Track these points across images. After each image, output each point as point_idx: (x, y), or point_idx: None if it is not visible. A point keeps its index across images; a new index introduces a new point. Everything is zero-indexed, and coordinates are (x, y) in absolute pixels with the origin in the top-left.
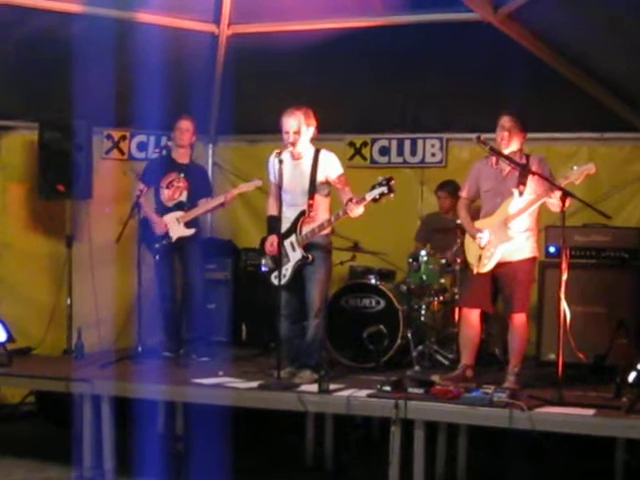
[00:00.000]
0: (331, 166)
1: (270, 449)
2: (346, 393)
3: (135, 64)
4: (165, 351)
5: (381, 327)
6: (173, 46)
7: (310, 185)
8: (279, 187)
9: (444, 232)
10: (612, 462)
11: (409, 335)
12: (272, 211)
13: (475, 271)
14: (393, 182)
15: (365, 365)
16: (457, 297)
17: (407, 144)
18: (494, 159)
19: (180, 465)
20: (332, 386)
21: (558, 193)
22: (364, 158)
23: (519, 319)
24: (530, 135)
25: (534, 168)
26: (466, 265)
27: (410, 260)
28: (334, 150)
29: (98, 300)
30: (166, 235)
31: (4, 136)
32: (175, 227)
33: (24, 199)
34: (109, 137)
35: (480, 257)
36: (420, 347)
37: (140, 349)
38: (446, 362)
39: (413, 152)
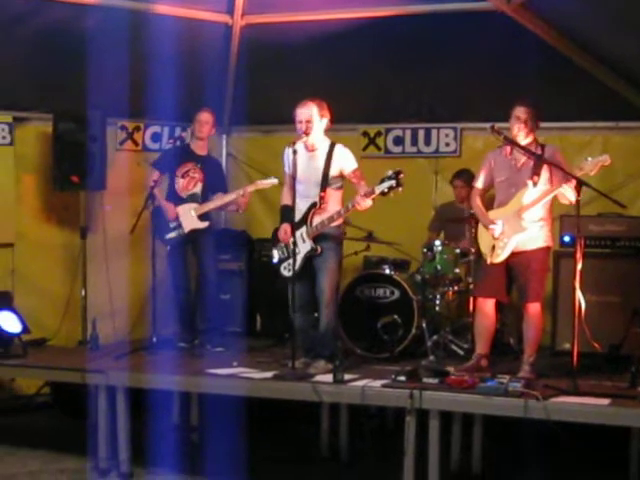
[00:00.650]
0: (346, 161)
1: (285, 439)
2: (361, 383)
3: (149, 55)
4: (180, 342)
5: (395, 317)
6: (187, 37)
7: (323, 178)
8: (293, 178)
9: (458, 222)
10: (627, 452)
11: (424, 325)
12: (286, 201)
13: (489, 261)
14: (402, 176)
15: (380, 355)
16: (472, 287)
17: (421, 134)
18: (508, 149)
19: (195, 455)
20: (347, 376)
21: (572, 183)
22: (378, 148)
23: (534, 309)
24: (544, 124)
25: (549, 158)
26: (480, 255)
27: (424, 250)
28: (348, 140)
29: (113, 291)
30: (179, 226)
31: (19, 127)
32: (189, 219)
33: (38, 190)
34: (123, 128)
35: (494, 247)
36: (435, 337)
37: (155, 340)
38: (461, 352)
39: (427, 142)
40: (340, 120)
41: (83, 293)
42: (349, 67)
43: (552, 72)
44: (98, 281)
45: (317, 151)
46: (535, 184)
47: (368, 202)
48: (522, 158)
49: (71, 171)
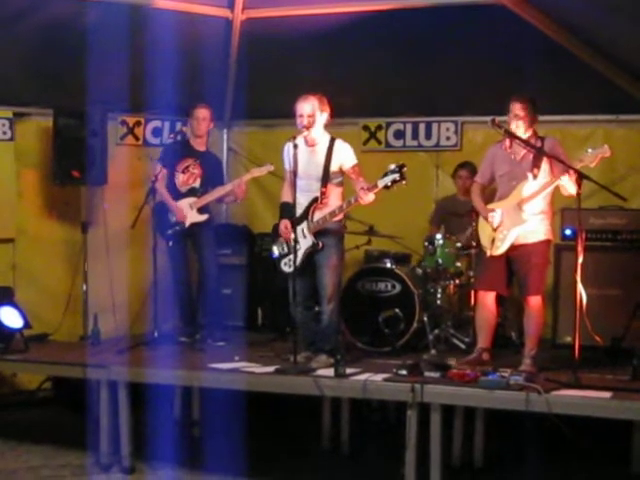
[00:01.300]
0: (345, 156)
1: (286, 433)
2: (362, 377)
3: (149, 49)
4: (181, 336)
5: (397, 311)
6: (187, 31)
7: (324, 173)
8: (294, 173)
9: (459, 215)
10: (629, 445)
11: (425, 319)
12: (286, 198)
13: (488, 254)
14: (405, 169)
15: (381, 349)
16: (473, 280)
17: (422, 127)
18: (508, 142)
19: (196, 450)
20: (348, 370)
21: (571, 175)
22: (379, 142)
23: (534, 302)
24: (545, 118)
25: (548, 151)
26: (481, 248)
27: (426, 244)
28: (348, 134)
29: (114, 286)
30: (179, 221)
31: (19, 123)
32: (188, 213)
33: (39, 185)
34: (124, 123)
35: (493, 240)
36: (436, 331)
37: (156, 334)
38: (462, 345)
39: (428, 135)
40: (341, 114)
41: (84, 288)
42: (350, 61)
43: (553, 65)
44: (99, 276)
45: (317, 146)
46: (535, 177)
47: (371, 196)
48: (522, 151)
49: (72, 166)
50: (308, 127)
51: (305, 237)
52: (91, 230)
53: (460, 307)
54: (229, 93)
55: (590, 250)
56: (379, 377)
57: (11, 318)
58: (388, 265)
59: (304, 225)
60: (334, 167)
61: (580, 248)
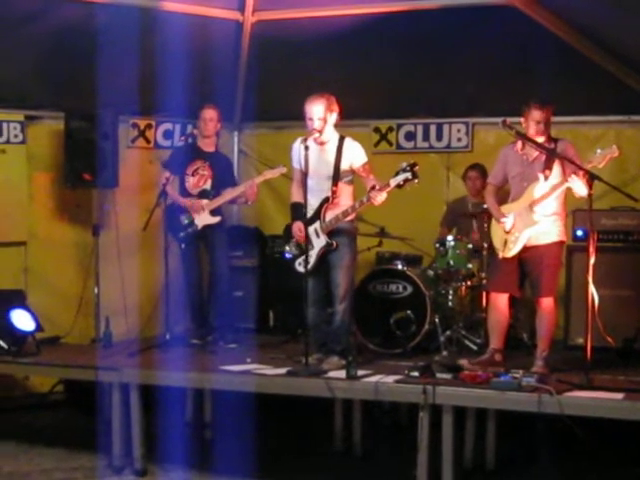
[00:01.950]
0: (355, 154)
1: (298, 435)
2: (374, 379)
3: (160, 52)
4: (193, 338)
5: (408, 312)
6: (198, 34)
7: (334, 172)
8: (304, 173)
9: (470, 217)
10: None
11: (436, 320)
12: (296, 198)
13: (501, 256)
14: (417, 168)
15: (393, 351)
16: (484, 282)
17: (433, 129)
18: (520, 144)
19: (208, 452)
20: (360, 372)
21: (580, 176)
22: (390, 144)
23: (547, 303)
24: (556, 119)
25: (561, 152)
26: (493, 250)
27: (437, 245)
28: (360, 136)
29: (125, 289)
30: (192, 223)
31: (31, 126)
32: (201, 215)
33: (51, 188)
34: (135, 126)
35: (506, 242)
36: (448, 332)
37: (168, 337)
38: (474, 347)
39: (439, 137)
40: (351, 116)
41: (96, 291)
42: (360, 63)
43: (564, 66)
44: (111, 278)
45: (327, 145)
46: (546, 178)
47: (383, 196)
48: (534, 152)
49: (83, 169)
50: (320, 130)
51: (318, 237)
52: (102, 233)
53: (471, 309)
54: (239, 95)
55: (602, 251)
56: (391, 379)
57: (23, 321)
58: (399, 267)
59: (317, 225)
60: (344, 166)
61: (592, 249)
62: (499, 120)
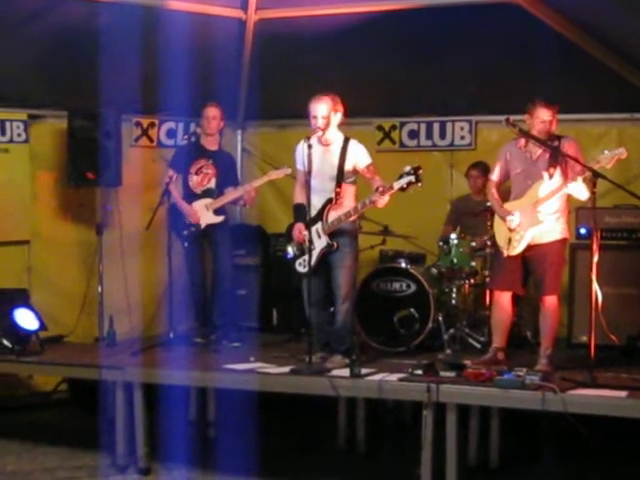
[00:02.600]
0: (360, 156)
1: (302, 433)
2: (378, 377)
3: (163, 51)
4: (196, 337)
5: (412, 311)
6: (200, 32)
7: (338, 173)
8: (308, 173)
9: (474, 215)
10: None
11: (440, 318)
12: (299, 199)
13: (505, 254)
14: (421, 171)
15: (396, 349)
16: (488, 280)
17: (436, 127)
18: (523, 141)
19: (211, 451)
20: (363, 370)
21: (582, 177)
22: (393, 142)
23: (550, 301)
24: (559, 116)
25: (565, 150)
26: (497, 248)
27: (440, 243)
28: (362, 134)
29: (129, 287)
30: (195, 222)
31: (34, 125)
32: (204, 214)
33: (54, 187)
34: (138, 124)
35: (510, 240)
36: (451, 330)
37: (171, 336)
38: (478, 345)
39: (442, 135)
40: (354, 114)
41: (99, 289)
42: (363, 61)
43: (567, 64)
44: (114, 277)
45: (331, 146)
46: (551, 176)
47: (386, 198)
48: (538, 150)
49: (86, 168)
50: (323, 129)
51: (320, 238)
52: (106, 232)
53: (475, 307)
54: (242, 94)
55: (605, 249)
56: (394, 377)
57: (27, 320)
58: (403, 265)
59: (319, 226)
60: (348, 167)
61: (595, 247)
62: (502, 118)
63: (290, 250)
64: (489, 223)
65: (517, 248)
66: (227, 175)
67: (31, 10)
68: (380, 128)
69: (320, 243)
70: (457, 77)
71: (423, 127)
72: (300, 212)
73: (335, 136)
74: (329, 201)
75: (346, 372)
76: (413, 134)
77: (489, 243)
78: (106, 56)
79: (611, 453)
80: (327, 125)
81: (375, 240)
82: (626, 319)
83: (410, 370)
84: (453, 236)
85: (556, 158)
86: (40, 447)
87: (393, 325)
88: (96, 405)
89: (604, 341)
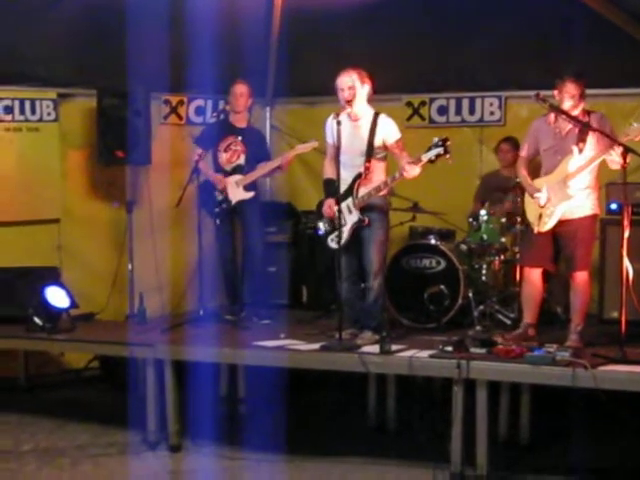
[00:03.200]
0: (389, 131)
1: (332, 410)
2: (408, 354)
3: (191, 28)
4: (226, 314)
5: (442, 287)
6: (228, 9)
7: (368, 148)
8: (337, 148)
9: (503, 191)
10: None
11: (470, 295)
12: (329, 174)
13: (536, 230)
14: (449, 143)
15: (426, 325)
16: (518, 256)
17: (465, 103)
18: (552, 117)
19: (242, 427)
20: (394, 347)
21: (619, 150)
22: (422, 118)
23: (581, 277)
24: (590, 91)
25: (595, 125)
26: (527, 224)
27: (470, 220)
28: (392, 111)
29: (159, 265)
30: (226, 199)
31: (63, 104)
32: (234, 190)
33: (84, 166)
34: (167, 102)
35: (540, 216)
36: (481, 307)
37: (201, 313)
38: (508, 321)
39: (472, 111)
40: (383, 90)
41: (129, 267)
42: (391, 37)
43: (598, 38)
44: (144, 255)
45: (361, 120)
46: (581, 151)
47: (416, 170)
48: (567, 126)
49: (116, 146)
50: (350, 101)
51: (351, 213)
52: (136, 209)
53: (505, 283)
54: (271, 70)
55: (636, 224)
56: (425, 354)
57: (58, 298)
58: (433, 241)
59: (349, 201)
60: (378, 142)
61: (626, 222)
62: (532, 93)
63: (321, 226)
64: (519, 199)
65: (548, 224)
66: (257, 151)
67: None
68: (409, 104)
69: (351, 218)
70: (486, 52)
71: (452, 103)
72: (330, 187)
73: (364, 111)
74: (359, 176)
75: (376, 348)
76: (442, 110)
77: (518, 219)
78: (134, 34)
79: None
80: (354, 97)
81: (405, 217)
82: None
83: (440, 347)
84: (483, 212)
85: (586, 131)
86: (71, 424)
87: (423, 302)
88: (127, 382)
89: (635, 317)
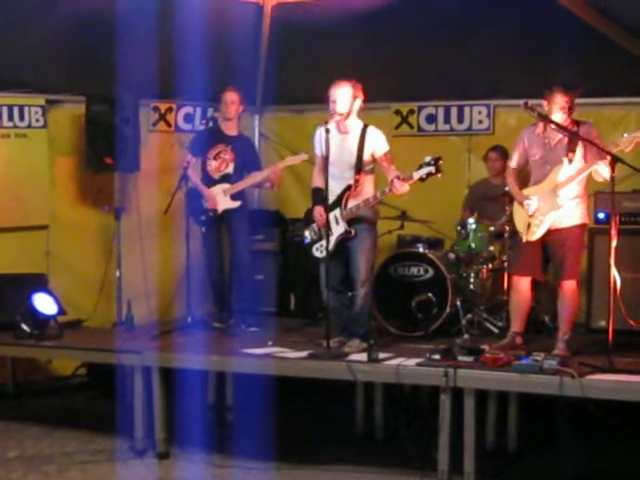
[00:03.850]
0: (378, 143)
1: (320, 418)
2: (395, 362)
3: (180, 36)
4: (214, 322)
5: (430, 295)
6: (218, 17)
7: (357, 161)
8: (325, 158)
9: (492, 200)
10: None
11: (458, 303)
12: (318, 183)
13: (524, 239)
14: (441, 162)
15: (414, 334)
16: (506, 265)
17: (454, 111)
18: (541, 127)
19: (230, 435)
20: (381, 355)
21: (607, 160)
22: (411, 126)
23: (569, 286)
24: (578, 100)
25: (583, 135)
26: (516, 233)
27: (458, 228)
28: (380, 119)
29: (147, 272)
30: (212, 207)
31: (52, 110)
32: (221, 199)
33: (72, 172)
34: (155, 109)
35: (529, 225)
36: (469, 315)
37: (189, 320)
38: (495, 330)
39: (460, 119)
40: (372, 99)
41: (118, 274)
42: (380, 45)
43: (585, 47)
44: (132, 262)
45: (350, 133)
46: (570, 161)
47: (405, 187)
48: (557, 136)
49: (104, 153)
50: (342, 114)
51: (338, 224)
52: (124, 216)
53: (493, 291)
54: (260, 78)
55: (624, 234)
56: (412, 362)
57: (45, 305)
58: (421, 250)
59: (337, 212)
60: (367, 155)
61: (614, 232)
62: (521, 102)
63: (308, 235)
64: (507, 208)
65: (536, 233)
66: (247, 160)
67: None
68: (398, 112)
69: (338, 229)
70: (475, 61)
71: (441, 111)
72: (319, 196)
73: (354, 124)
74: (348, 188)
75: (364, 357)
76: (431, 118)
77: (507, 227)
78: (124, 41)
79: (629, 438)
80: (347, 112)
81: (393, 225)
82: None
83: (428, 355)
84: (471, 221)
85: (575, 142)
86: (59, 431)
87: (411, 310)
88: (115, 389)
89: (622, 326)
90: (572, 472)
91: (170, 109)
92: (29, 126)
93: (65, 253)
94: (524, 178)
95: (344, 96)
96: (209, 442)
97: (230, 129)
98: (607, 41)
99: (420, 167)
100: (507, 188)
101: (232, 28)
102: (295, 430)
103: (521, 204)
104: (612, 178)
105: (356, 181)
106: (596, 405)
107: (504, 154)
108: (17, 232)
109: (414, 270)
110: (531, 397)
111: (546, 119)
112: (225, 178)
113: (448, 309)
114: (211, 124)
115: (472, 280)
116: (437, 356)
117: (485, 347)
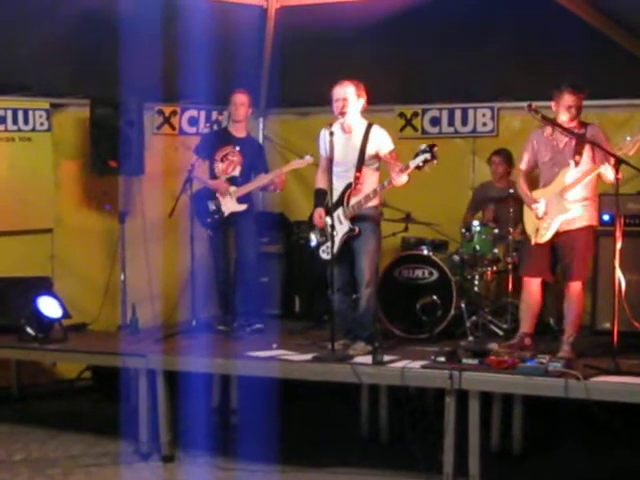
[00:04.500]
0: (382, 142)
1: (325, 421)
2: (400, 364)
3: (184, 39)
4: (219, 325)
5: (434, 298)
6: (222, 20)
7: (359, 158)
8: (330, 160)
9: (496, 202)
10: None
11: (462, 305)
12: (320, 184)
13: (533, 242)
14: (436, 148)
15: (419, 336)
16: (510, 267)
17: (458, 114)
18: (549, 129)
19: (235, 438)
20: (386, 357)
21: (612, 162)
22: (415, 129)
23: (575, 287)
24: (583, 102)
25: (591, 137)
26: (526, 235)
27: (463, 230)
28: (384, 122)
29: (151, 275)
30: (218, 209)
31: (56, 113)
32: (228, 202)
33: (77, 175)
34: (160, 112)
35: (538, 228)
36: (474, 317)
37: (194, 323)
38: (500, 332)
39: (464, 122)
40: (376, 101)
41: (122, 277)
42: (385, 48)
43: (589, 49)
44: (137, 265)
45: (354, 132)
46: (577, 164)
47: (404, 178)
48: (564, 138)
49: (109, 156)
50: (344, 113)
51: (341, 223)
52: (129, 220)
53: (497, 294)
54: (264, 81)
55: (628, 236)
56: (417, 364)
57: (50, 308)
58: (425, 252)
59: (340, 211)
60: (370, 151)
61: (618, 234)
62: (524, 104)
63: (313, 237)
64: (511, 210)
65: (545, 236)
66: (254, 162)
67: None
68: (402, 115)
69: (342, 228)
70: (479, 63)
71: (445, 114)
72: (320, 197)
73: (358, 123)
74: (349, 186)
75: (369, 359)
76: (435, 121)
77: (511, 230)
78: (128, 44)
79: (634, 440)
80: (348, 108)
81: (397, 227)
82: None
83: (433, 357)
84: (476, 223)
85: (582, 144)
86: (64, 434)
87: (415, 312)
88: (119, 392)
89: (627, 328)
90: (577, 475)
91: (174, 112)
92: (33, 129)
93: (70, 256)
94: (533, 181)
95: (346, 94)
96: (214, 445)
97: (239, 131)
98: (611, 43)
99: (416, 155)
100: (511, 190)
101: (236, 31)
102: (299, 433)
103: (530, 207)
104: (617, 180)
105: (357, 178)
106: (601, 407)
107: (507, 158)
108: (22, 235)
109: (418, 272)
110: (536, 399)
111: (550, 121)
112: (231, 181)
113: (453, 311)
114: (215, 127)
115: (477, 282)
116: (442, 358)
117: (494, 346)
